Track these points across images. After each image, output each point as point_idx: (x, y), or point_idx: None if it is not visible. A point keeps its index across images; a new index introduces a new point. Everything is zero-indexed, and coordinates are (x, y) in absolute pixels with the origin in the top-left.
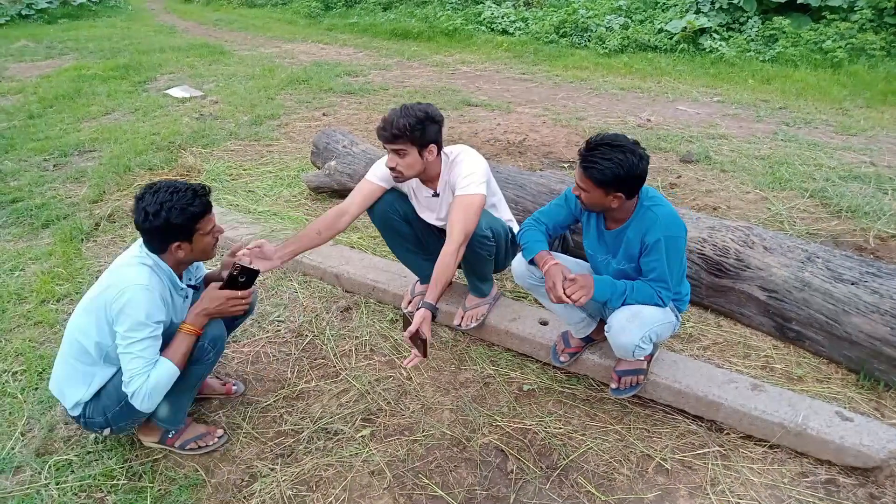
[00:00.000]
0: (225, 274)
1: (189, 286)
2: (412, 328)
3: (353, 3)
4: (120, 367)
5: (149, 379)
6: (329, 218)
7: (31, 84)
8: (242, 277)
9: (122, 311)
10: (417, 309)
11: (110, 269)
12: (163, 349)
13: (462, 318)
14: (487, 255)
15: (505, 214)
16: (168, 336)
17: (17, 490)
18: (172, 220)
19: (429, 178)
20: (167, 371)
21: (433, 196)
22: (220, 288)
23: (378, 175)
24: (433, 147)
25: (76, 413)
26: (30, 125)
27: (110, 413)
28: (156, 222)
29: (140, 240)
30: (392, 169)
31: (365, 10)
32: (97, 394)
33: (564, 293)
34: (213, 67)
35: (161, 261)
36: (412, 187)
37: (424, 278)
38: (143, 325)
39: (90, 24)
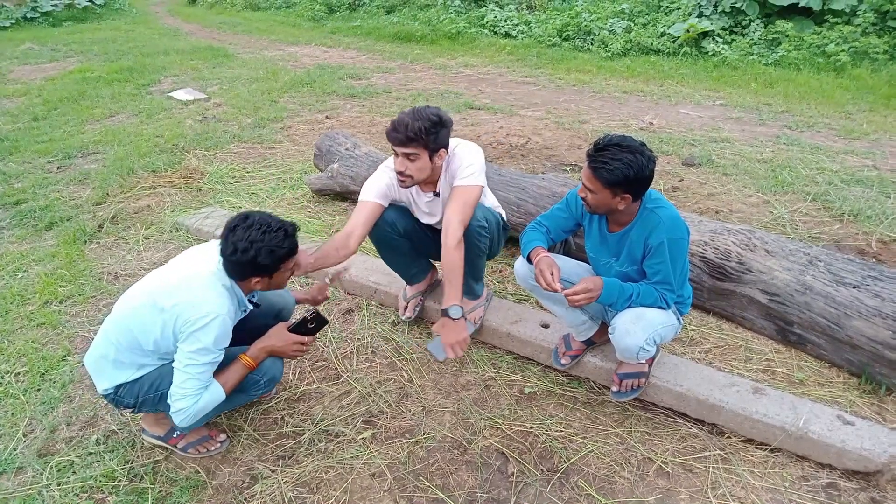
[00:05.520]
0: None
1: (251, 301)
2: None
3: (357, 6)
4: (164, 361)
5: (199, 401)
6: (339, 239)
7: (36, 86)
8: (312, 324)
9: (194, 334)
10: (446, 315)
11: (188, 273)
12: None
13: None
14: (484, 247)
15: (492, 201)
16: None
17: (18, 491)
18: (260, 259)
19: (429, 182)
20: (216, 397)
21: (434, 197)
22: (289, 329)
23: (375, 193)
24: (443, 152)
25: (108, 393)
26: (34, 127)
27: (142, 397)
28: (243, 258)
29: (217, 251)
30: (400, 173)
31: (368, 13)
32: (137, 378)
33: (568, 297)
34: (216, 70)
35: (236, 284)
36: (412, 195)
37: (412, 278)
38: (209, 351)
39: (94, 27)
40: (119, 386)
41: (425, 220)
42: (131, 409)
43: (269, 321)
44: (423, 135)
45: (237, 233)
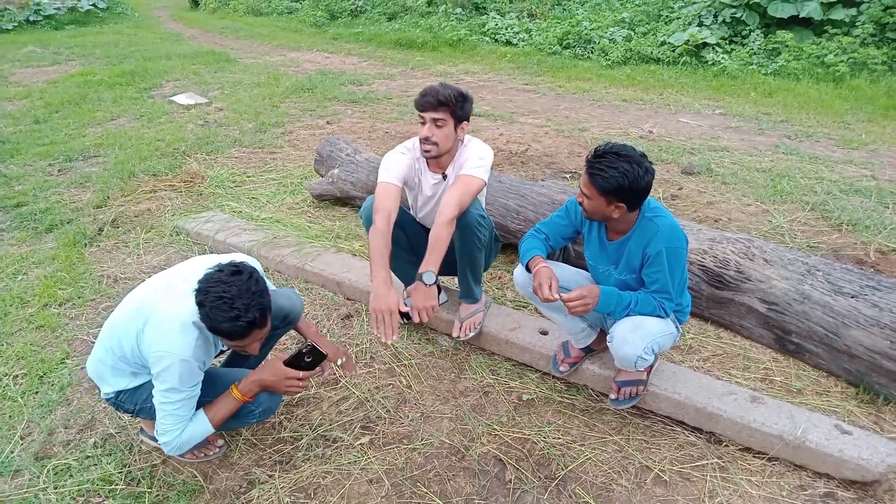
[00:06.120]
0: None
1: None
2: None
3: (359, 12)
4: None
5: (182, 434)
6: (384, 228)
7: (38, 89)
8: (309, 358)
9: (159, 375)
10: (420, 280)
11: (171, 310)
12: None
13: (460, 328)
14: (484, 239)
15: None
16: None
17: (15, 494)
18: (221, 334)
19: (441, 164)
20: (202, 429)
21: (441, 179)
22: (284, 363)
23: (397, 176)
24: (465, 125)
25: (109, 397)
26: (35, 130)
27: (140, 405)
28: (206, 324)
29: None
30: (426, 140)
31: (370, 20)
32: (137, 386)
33: (566, 304)
34: (218, 75)
35: None
36: (419, 176)
37: (411, 282)
38: (178, 390)
39: (97, 31)
40: (120, 392)
41: (424, 208)
42: (131, 414)
43: (275, 324)
44: (452, 100)
45: (205, 307)
